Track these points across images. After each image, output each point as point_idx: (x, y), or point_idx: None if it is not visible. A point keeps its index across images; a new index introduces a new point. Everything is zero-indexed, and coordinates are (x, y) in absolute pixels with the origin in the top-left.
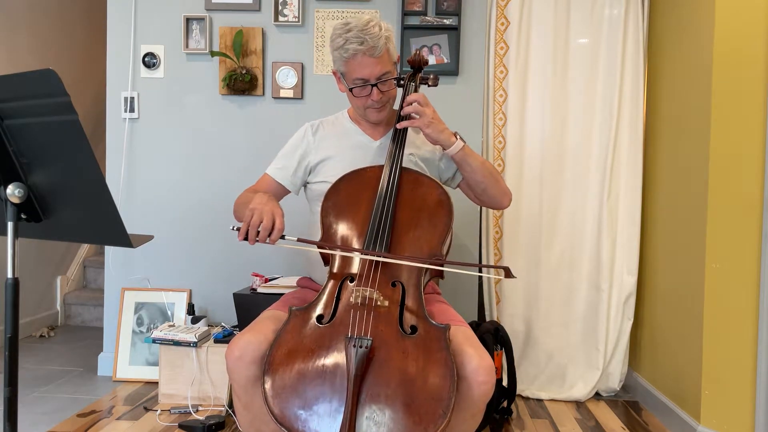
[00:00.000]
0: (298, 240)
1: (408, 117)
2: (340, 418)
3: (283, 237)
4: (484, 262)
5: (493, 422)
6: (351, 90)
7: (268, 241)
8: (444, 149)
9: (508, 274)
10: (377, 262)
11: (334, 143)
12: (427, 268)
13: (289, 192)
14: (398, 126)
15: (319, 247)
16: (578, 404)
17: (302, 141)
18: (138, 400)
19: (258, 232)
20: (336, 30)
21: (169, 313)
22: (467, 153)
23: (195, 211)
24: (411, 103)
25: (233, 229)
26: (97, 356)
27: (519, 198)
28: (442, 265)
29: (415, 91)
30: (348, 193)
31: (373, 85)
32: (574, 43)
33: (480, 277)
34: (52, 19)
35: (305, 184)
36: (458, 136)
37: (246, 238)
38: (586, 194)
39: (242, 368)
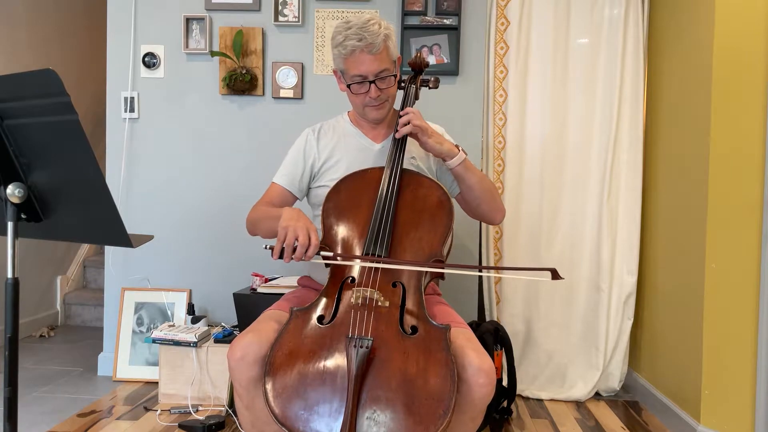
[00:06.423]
0: (335, 256)
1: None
2: (341, 418)
3: (318, 253)
4: (484, 262)
5: (493, 422)
6: (349, 87)
7: (303, 258)
8: (445, 161)
9: (556, 275)
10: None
11: (336, 147)
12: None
13: (298, 199)
14: (397, 136)
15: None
16: (578, 404)
17: (305, 146)
18: (138, 400)
19: (294, 249)
20: (337, 28)
21: (169, 313)
22: (467, 167)
23: (195, 210)
24: (407, 123)
25: (266, 248)
26: (97, 356)
27: (519, 198)
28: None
29: (416, 93)
30: (349, 194)
31: (371, 82)
32: (574, 43)
33: (480, 277)
34: (52, 19)
35: (308, 189)
36: (460, 149)
37: (281, 257)
38: (586, 194)
39: (244, 369)
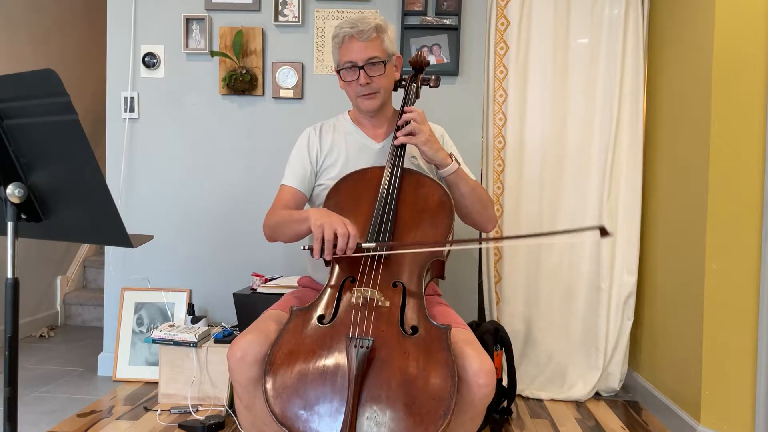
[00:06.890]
0: (377, 246)
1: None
2: (341, 418)
3: (358, 244)
4: (484, 262)
5: (493, 422)
6: (339, 72)
7: (346, 250)
8: (438, 169)
9: (604, 233)
10: (378, 261)
11: (337, 146)
12: (428, 268)
13: (308, 199)
14: (395, 143)
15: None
16: (578, 404)
17: (309, 144)
18: (138, 400)
19: (334, 244)
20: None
21: (169, 313)
22: (460, 176)
23: (195, 210)
24: (408, 121)
25: (305, 248)
26: (97, 356)
27: (519, 198)
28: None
29: (416, 92)
30: (349, 193)
31: (360, 68)
32: (574, 43)
33: (480, 277)
34: (52, 19)
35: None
36: (453, 158)
37: (322, 254)
38: (586, 194)
39: (244, 369)
